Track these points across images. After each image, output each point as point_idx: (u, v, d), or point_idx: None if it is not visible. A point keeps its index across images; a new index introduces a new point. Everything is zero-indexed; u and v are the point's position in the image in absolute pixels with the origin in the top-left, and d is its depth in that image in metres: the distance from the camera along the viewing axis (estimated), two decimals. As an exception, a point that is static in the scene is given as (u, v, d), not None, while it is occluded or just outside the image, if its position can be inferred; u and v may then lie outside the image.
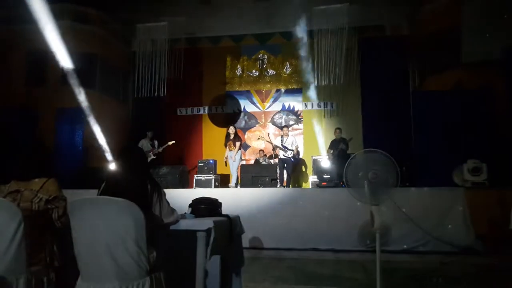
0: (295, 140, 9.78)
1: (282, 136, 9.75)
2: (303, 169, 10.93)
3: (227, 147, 9.51)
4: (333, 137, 9.56)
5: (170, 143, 9.88)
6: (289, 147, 9.47)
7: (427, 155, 8.59)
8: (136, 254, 2.14)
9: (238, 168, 9.43)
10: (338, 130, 9.51)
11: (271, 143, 9.77)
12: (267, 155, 10.52)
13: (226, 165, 9.68)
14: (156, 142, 9.96)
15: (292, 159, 9.42)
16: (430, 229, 6.34)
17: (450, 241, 6.32)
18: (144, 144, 9.84)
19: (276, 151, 9.80)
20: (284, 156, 9.47)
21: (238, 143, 9.49)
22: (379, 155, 3.41)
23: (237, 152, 9.43)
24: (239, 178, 9.36)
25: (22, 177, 2.63)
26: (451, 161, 7.77)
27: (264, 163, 10.18)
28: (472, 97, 8.71)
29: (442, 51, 9.53)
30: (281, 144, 9.57)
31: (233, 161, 9.37)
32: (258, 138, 10.65)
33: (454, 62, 9.11)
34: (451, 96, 8.91)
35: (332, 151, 9.27)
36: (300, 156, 9.87)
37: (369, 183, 3.29)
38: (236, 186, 9.17)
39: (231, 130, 9.57)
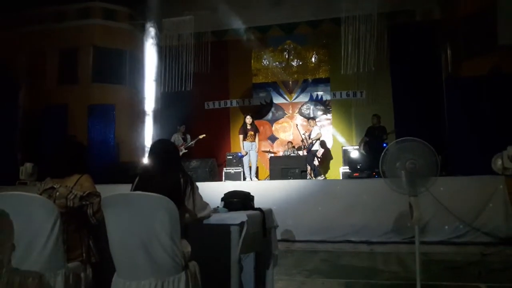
0: (319, 132, 9.63)
1: (313, 127, 9.69)
2: (328, 159, 10.80)
3: (246, 139, 9.09)
4: (364, 126, 9.36)
5: (201, 136, 9.91)
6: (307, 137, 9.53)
7: (463, 142, 8.26)
8: (171, 249, 2.11)
9: (257, 160, 9.33)
10: (375, 117, 9.23)
11: (304, 137, 9.78)
12: (296, 147, 10.42)
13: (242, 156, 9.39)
14: (188, 136, 10.03)
15: (307, 151, 9.41)
16: (469, 219, 6.10)
17: (490, 232, 6.06)
18: (176, 138, 9.93)
19: (304, 142, 9.78)
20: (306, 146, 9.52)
21: (257, 134, 9.26)
22: (417, 144, 3.27)
23: (257, 144, 9.22)
24: (257, 170, 9.32)
25: (56, 174, 2.65)
26: (489, 148, 7.42)
27: (293, 154, 10.10)
28: (509, 81, 8.29)
29: (476, 34, 9.11)
30: (305, 135, 9.62)
31: (256, 152, 9.14)
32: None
33: (489, 45, 8.69)
34: (486, 81, 8.50)
35: (367, 139, 9.05)
36: (313, 148, 9.66)
37: (407, 173, 3.16)
38: (251, 179, 9.05)
39: (248, 120, 9.17)
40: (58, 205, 2.40)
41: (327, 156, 10.78)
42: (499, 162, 6.97)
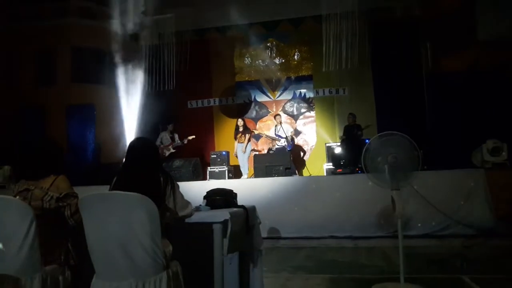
0: (289, 128, 9.92)
1: (276, 126, 9.81)
2: (301, 156, 10.87)
3: (237, 140, 9.61)
4: (346, 123, 9.48)
5: (190, 137, 9.83)
6: (282, 135, 9.58)
7: (444, 137, 8.40)
8: (151, 249, 2.06)
9: (248, 159, 9.55)
10: (351, 116, 9.43)
11: (266, 136, 9.91)
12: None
13: (237, 157, 9.75)
14: (176, 136, 9.94)
15: (287, 147, 9.49)
16: (451, 212, 6.21)
17: (472, 224, 6.18)
18: (164, 137, 9.84)
19: (273, 143, 9.82)
20: (278, 145, 9.60)
21: (248, 135, 9.60)
22: (398, 138, 3.30)
23: (247, 144, 9.55)
24: (249, 169, 9.45)
25: (31, 176, 2.55)
26: (469, 142, 7.57)
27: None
28: (489, 76, 8.44)
29: (456, 30, 9.24)
30: (275, 134, 9.67)
31: (243, 152, 9.48)
32: (258, 133, 10.63)
33: (469, 41, 8.82)
34: (466, 76, 8.65)
35: (344, 137, 9.20)
36: (295, 143, 9.89)
37: (389, 167, 3.17)
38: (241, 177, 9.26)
39: (240, 122, 9.68)
40: (33, 207, 2.32)
41: (297, 151, 10.82)
42: (479, 155, 7.11)
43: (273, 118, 11.22)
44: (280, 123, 9.83)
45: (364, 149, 3.37)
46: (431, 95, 9.26)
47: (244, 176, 9.41)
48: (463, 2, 9.03)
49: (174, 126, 10.14)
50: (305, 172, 10.31)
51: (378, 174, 3.28)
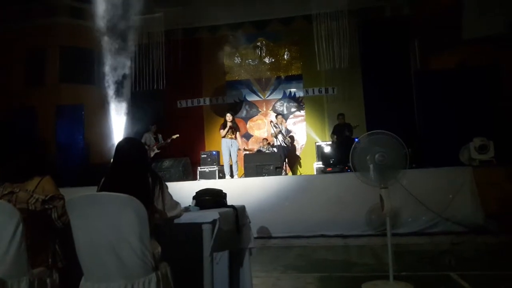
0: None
1: (276, 124, 9.81)
2: (293, 155, 10.97)
3: (225, 135, 9.24)
4: (336, 122, 9.56)
5: (174, 137, 9.76)
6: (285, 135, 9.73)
7: (432, 135, 8.47)
8: (140, 250, 2.05)
9: (238, 159, 9.42)
10: (341, 116, 9.59)
11: (279, 129, 9.75)
12: (271, 144, 10.44)
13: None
14: (160, 136, 9.88)
15: (288, 147, 9.62)
16: (439, 210, 6.26)
17: (460, 221, 6.24)
18: (148, 137, 9.77)
19: (263, 142, 9.90)
20: (285, 144, 9.59)
21: (237, 133, 9.35)
22: (385, 137, 3.32)
23: (237, 141, 9.36)
24: (239, 168, 9.40)
25: (15, 178, 2.52)
26: (457, 140, 7.65)
27: (267, 151, 10.11)
28: (476, 74, 8.55)
29: (444, 29, 9.34)
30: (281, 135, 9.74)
31: (236, 149, 9.30)
32: (271, 121, 10.45)
33: (457, 40, 8.92)
34: (454, 74, 8.75)
35: (335, 136, 9.26)
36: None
37: (376, 165, 3.19)
38: (232, 177, 9.11)
39: (228, 117, 9.25)
40: (18, 210, 2.29)
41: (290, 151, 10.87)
42: (466, 153, 7.19)
43: (263, 118, 11.26)
44: (281, 123, 9.86)
45: (351, 148, 3.39)
46: (419, 93, 9.33)
47: (227, 176, 9.20)
48: (450, 1, 9.12)
49: (160, 126, 10.08)
50: (296, 171, 10.37)
51: (366, 172, 3.31)
